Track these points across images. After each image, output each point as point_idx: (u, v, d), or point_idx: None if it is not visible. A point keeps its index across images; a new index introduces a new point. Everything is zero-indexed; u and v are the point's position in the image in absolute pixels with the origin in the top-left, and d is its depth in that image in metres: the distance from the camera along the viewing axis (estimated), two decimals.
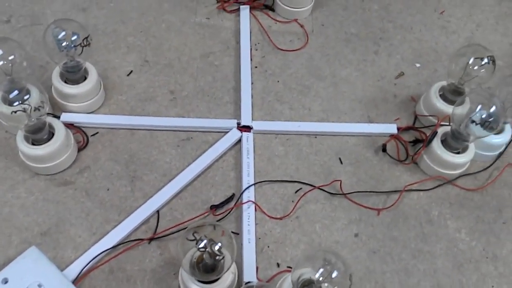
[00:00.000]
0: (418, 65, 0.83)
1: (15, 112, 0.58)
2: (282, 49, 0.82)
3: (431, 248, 0.62)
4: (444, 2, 0.94)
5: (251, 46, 0.82)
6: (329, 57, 0.83)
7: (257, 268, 0.58)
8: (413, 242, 0.62)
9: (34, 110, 0.59)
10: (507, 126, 0.69)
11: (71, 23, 0.65)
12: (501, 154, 0.71)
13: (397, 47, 0.85)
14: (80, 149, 0.67)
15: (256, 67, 0.80)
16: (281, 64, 0.81)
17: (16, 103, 0.58)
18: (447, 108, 0.69)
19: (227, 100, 0.75)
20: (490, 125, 0.60)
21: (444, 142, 0.66)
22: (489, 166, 0.70)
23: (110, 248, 0.59)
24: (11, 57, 0.62)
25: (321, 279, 0.46)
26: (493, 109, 0.60)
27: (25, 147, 0.62)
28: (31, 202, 0.62)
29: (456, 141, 0.65)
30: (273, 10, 0.88)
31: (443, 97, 0.72)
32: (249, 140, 0.69)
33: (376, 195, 0.66)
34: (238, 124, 0.71)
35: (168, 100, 0.74)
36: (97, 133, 0.70)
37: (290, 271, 0.52)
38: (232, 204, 0.64)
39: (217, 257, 0.49)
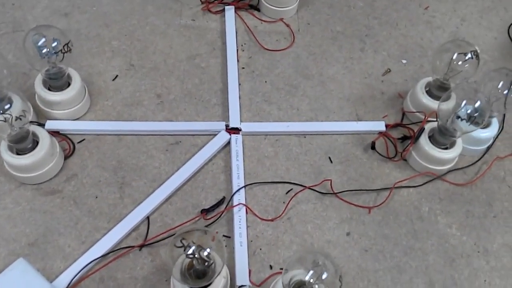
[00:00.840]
0: (404, 61, 0.83)
1: None
2: (268, 49, 0.82)
3: (423, 244, 0.62)
4: None
5: (237, 46, 0.81)
6: (316, 55, 0.82)
7: (249, 271, 0.58)
8: (404, 239, 0.62)
9: (16, 120, 0.57)
10: (494, 120, 0.69)
11: (51, 29, 0.64)
12: (489, 148, 0.71)
13: (383, 43, 0.85)
14: (66, 157, 0.66)
15: (243, 68, 0.79)
16: (268, 64, 0.80)
17: None
18: (434, 104, 0.69)
19: (215, 102, 0.74)
20: (476, 120, 0.60)
21: (431, 138, 0.66)
22: (477, 161, 0.70)
23: (100, 257, 0.58)
24: None
25: (311, 280, 0.45)
26: (478, 104, 0.60)
27: (9, 157, 0.61)
28: (18, 213, 0.61)
29: (443, 137, 0.65)
30: (258, 10, 0.87)
31: (429, 93, 0.72)
32: (238, 142, 0.69)
33: (367, 193, 0.66)
34: (227, 126, 0.70)
35: (155, 104, 0.73)
36: (83, 140, 0.68)
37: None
38: (223, 207, 0.63)
39: (206, 263, 0.49)
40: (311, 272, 0.46)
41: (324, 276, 0.45)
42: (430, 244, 0.62)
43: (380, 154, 0.70)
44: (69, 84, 0.68)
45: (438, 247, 0.62)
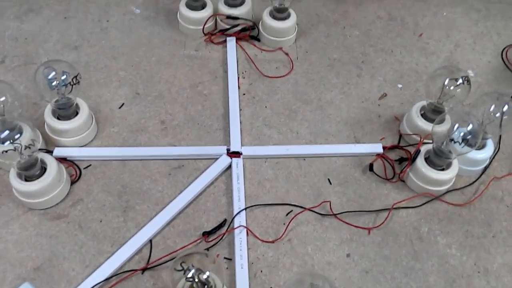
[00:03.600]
0: (400, 85, 0.86)
1: (6, 151, 0.60)
2: (268, 76, 0.85)
3: (423, 265, 0.63)
4: (422, 25, 0.98)
5: (238, 74, 0.85)
6: (314, 82, 0.86)
7: None
8: (404, 260, 0.63)
9: (25, 148, 0.60)
10: (489, 141, 0.71)
11: (61, 63, 0.68)
12: (486, 168, 0.73)
13: (379, 69, 0.89)
14: (73, 182, 0.69)
15: (244, 94, 0.83)
16: (268, 90, 0.83)
17: (7, 142, 0.60)
18: (429, 127, 0.71)
19: (217, 127, 0.77)
20: (470, 142, 0.62)
21: (427, 160, 0.68)
22: (475, 181, 0.71)
23: (103, 281, 0.59)
24: (2, 99, 0.64)
25: None
26: (470, 126, 0.62)
27: (18, 184, 0.63)
28: (25, 238, 0.63)
29: (439, 158, 0.67)
30: (258, 40, 0.92)
31: (424, 116, 0.74)
32: (238, 165, 0.71)
33: (366, 214, 0.67)
34: (228, 150, 0.73)
35: (159, 130, 0.76)
36: (89, 165, 0.71)
37: None
38: (224, 229, 0.64)
39: (206, 286, 0.50)
40: None
41: None
42: (430, 264, 0.63)
43: (378, 176, 0.72)
44: (77, 113, 0.71)
45: (438, 268, 0.62)
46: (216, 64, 0.87)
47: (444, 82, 0.69)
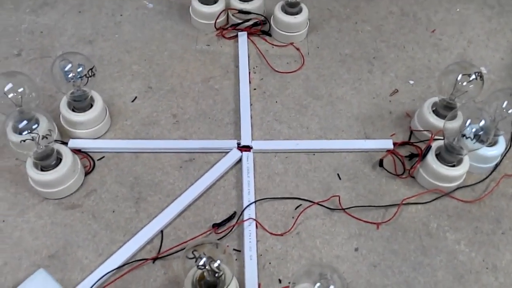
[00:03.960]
0: (411, 82, 0.86)
1: (24, 141, 0.61)
2: (279, 71, 0.86)
3: (431, 260, 0.63)
4: (435, 21, 0.97)
5: (249, 69, 0.85)
6: (325, 77, 0.86)
7: (259, 285, 0.59)
8: (413, 255, 0.63)
9: (42, 138, 0.62)
10: (501, 138, 0.71)
11: (77, 56, 0.69)
12: (497, 165, 0.72)
13: (390, 65, 0.88)
14: (87, 173, 0.70)
15: (255, 89, 0.83)
16: (279, 85, 0.84)
17: (25, 132, 0.61)
18: (440, 123, 0.71)
19: (228, 121, 0.78)
20: (481, 138, 0.61)
21: (438, 156, 0.68)
22: (485, 178, 0.71)
23: (116, 269, 0.60)
24: (20, 90, 0.65)
25: None
26: (482, 123, 0.62)
27: (34, 173, 0.65)
28: (40, 226, 0.64)
29: (450, 155, 0.66)
30: (269, 35, 0.92)
31: (436, 112, 0.74)
32: (249, 159, 0.72)
33: (375, 209, 0.67)
34: (238, 144, 0.74)
35: (171, 124, 0.77)
36: (103, 157, 0.72)
37: None
38: (233, 222, 0.65)
39: (216, 274, 0.51)
40: (317, 284, 0.48)
41: None
42: (439, 260, 0.63)
43: (388, 171, 0.72)
44: (91, 106, 0.73)
45: (447, 263, 0.62)
46: (227, 59, 0.88)
47: (457, 78, 0.69)
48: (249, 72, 0.85)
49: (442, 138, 0.68)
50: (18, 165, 0.70)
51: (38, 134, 0.61)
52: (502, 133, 0.70)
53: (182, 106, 0.80)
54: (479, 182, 0.71)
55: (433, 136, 0.69)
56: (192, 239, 0.63)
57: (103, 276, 0.59)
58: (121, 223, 0.65)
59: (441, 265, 0.62)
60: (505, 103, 0.66)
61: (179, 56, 0.88)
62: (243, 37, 0.90)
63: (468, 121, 0.62)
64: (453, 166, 0.67)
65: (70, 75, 0.68)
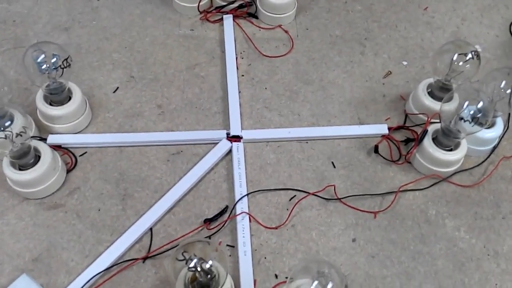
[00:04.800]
0: (405, 63, 0.82)
1: None
2: (268, 56, 0.81)
3: (431, 248, 0.60)
4: None
5: (236, 54, 0.80)
6: (316, 60, 0.81)
7: (254, 281, 0.56)
8: (412, 244, 0.61)
9: (17, 136, 0.57)
10: (498, 120, 0.68)
11: (50, 45, 0.64)
12: (495, 147, 0.69)
13: (383, 46, 0.84)
14: (69, 171, 0.66)
15: (242, 75, 0.78)
16: (268, 71, 0.79)
17: None
18: (436, 105, 0.68)
19: (215, 110, 0.74)
20: (480, 120, 0.58)
21: (435, 140, 0.65)
22: (483, 161, 0.68)
23: (104, 270, 0.57)
24: None
25: None
26: (480, 104, 0.58)
27: (11, 173, 0.60)
28: (21, 228, 0.60)
29: (447, 138, 0.63)
30: (256, 17, 0.87)
31: (431, 94, 0.70)
32: (239, 150, 0.68)
33: (371, 197, 0.65)
34: (228, 134, 0.70)
35: (156, 115, 0.73)
36: (85, 153, 0.68)
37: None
38: (226, 216, 0.62)
39: (209, 275, 0.47)
40: (315, 282, 0.45)
41: (329, 286, 0.44)
42: (439, 248, 0.60)
43: (383, 158, 0.68)
44: (70, 98, 0.68)
45: (446, 251, 0.60)
46: (213, 44, 0.82)
47: (452, 58, 0.65)
48: (236, 58, 0.80)
49: (438, 121, 0.65)
50: None
51: (11, 132, 0.57)
52: (500, 114, 0.67)
53: (167, 95, 0.75)
54: (477, 165, 0.68)
55: (429, 119, 0.66)
56: (183, 236, 0.60)
57: (90, 279, 0.56)
58: (108, 222, 0.61)
59: (441, 253, 0.60)
60: (503, 83, 0.63)
61: (162, 42, 0.82)
62: (228, 20, 0.85)
63: (466, 103, 0.59)
64: (450, 150, 0.64)
65: (44, 66, 0.63)
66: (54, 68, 0.63)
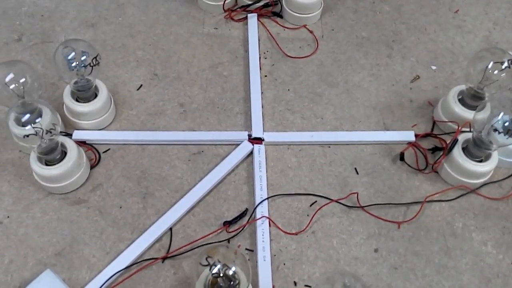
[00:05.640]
0: (434, 67, 0.78)
1: (27, 135, 0.57)
2: (291, 56, 0.78)
3: (456, 263, 0.57)
4: (458, 1, 0.88)
5: (260, 54, 0.78)
6: (341, 62, 0.78)
7: (273, 287, 0.55)
8: (436, 257, 0.58)
9: (46, 133, 0.57)
10: None
11: (80, 43, 0.63)
12: None
13: (411, 49, 0.80)
14: (92, 167, 0.65)
15: (265, 76, 0.76)
16: (291, 72, 0.77)
17: (28, 126, 0.57)
18: (467, 114, 0.64)
19: (237, 111, 0.72)
20: None
21: (465, 150, 0.61)
22: None
23: (124, 269, 0.56)
24: (22, 80, 0.60)
25: None
26: None
27: (38, 168, 0.60)
28: (45, 222, 0.60)
29: (478, 149, 0.60)
30: (281, 16, 0.84)
31: (462, 101, 0.67)
32: (261, 152, 0.66)
33: (396, 207, 0.62)
34: (249, 136, 0.68)
35: (178, 114, 0.71)
36: (108, 149, 0.67)
37: None
38: (245, 219, 0.60)
39: (232, 282, 0.46)
40: None
41: None
42: (464, 262, 0.57)
43: (409, 166, 0.65)
44: (96, 95, 0.67)
45: (472, 266, 0.57)
46: (236, 43, 0.80)
47: (487, 66, 0.61)
48: (259, 58, 0.77)
49: (468, 130, 0.61)
50: (22, 158, 0.66)
51: (41, 128, 0.57)
52: None
53: (189, 94, 0.74)
54: (507, 177, 0.64)
55: (460, 128, 0.63)
56: (202, 237, 0.59)
57: (111, 277, 0.55)
58: (129, 220, 0.61)
59: (466, 268, 0.57)
60: None
61: (185, 40, 0.81)
62: (253, 19, 0.82)
63: (501, 114, 0.55)
64: (481, 161, 0.61)
65: (74, 63, 0.62)
66: (83, 66, 0.63)
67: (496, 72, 0.62)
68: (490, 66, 0.61)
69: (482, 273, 0.57)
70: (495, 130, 0.55)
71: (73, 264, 0.57)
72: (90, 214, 0.61)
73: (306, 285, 0.55)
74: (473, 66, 0.63)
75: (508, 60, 0.61)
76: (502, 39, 0.82)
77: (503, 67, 0.61)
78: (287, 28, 0.82)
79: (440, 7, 0.87)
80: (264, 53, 0.79)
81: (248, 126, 0.69)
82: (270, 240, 0.59)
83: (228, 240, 0.59)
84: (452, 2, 0.88)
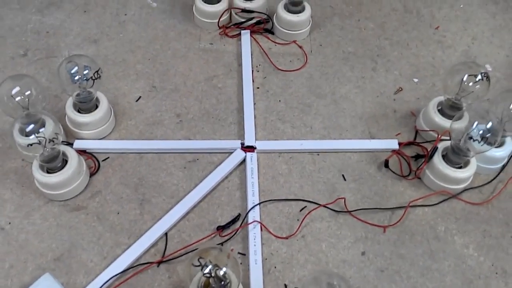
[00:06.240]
0: (416, 80, 0.79)
1: (31, 144, 0.57)
2: (282, 70, 0.79)
3: (439, 265, 0.57)
4: (438, 18, 0.90)
5: (252, 68, 0.79)
6: (328, 75, 0.79)
7: None
8: (421, 260, 0.58)
9: (49, 142, 0.57)
10: (508, 139, 0.64)
11: (83, 58, 0.64)
12: (504, 166, 0.66)
13: (394, 63, 0.81)
14: (92, 174, 0.65)
15: (258, 88, 0.77)
16: (282, 84, 0.77)
17: (32, 136, 0.57)
18: (446, 123, 0.65)
19: (231, 121, 0.72)
20: (489, 140, 0.55)
21: (445, 157, 0.62)
22: (493, 179, 0.65)
23: (120, 273, 0.56)
24: (27, 92, 0.61)
25: None
26: (489, 125, 0.55)
27: (40, 176, 0.60)
28: (45, 228, 0.60)
29: (456, 156, 0.60)
30: (272, 33, 0.85)
31: (442, 112, 0.67)
32: (253, 160, 0.66)
33: (381, 211, 0.62)
34: (242, 144, 0.68)
35: (175, 123, 0.72)
36: (107, 158, 0.67)
37: None
38: (238, 224, 0.60)
39: (222, 282, 0.46)
40: None
41: None
42: (447, 265, 0.57)
43: (393, 172, 0.66)
44: (97, 107, 0.68)
45: (455, 268, 0.57)
46: (230, 57, 0.81)
47: (462, 78, 0.62)
48: (252, 71, 0.78)
49: (448, 138, 0.62)
50: (24, 166, 0.65)
51: (44, 137, 0.57)
52: (509, 134, 0.63)
53: (185, 105, 0.74)
54: (486, 183, 0.64)
55: (439, 137, 0.63)
56: (196, 241, 0.58)
57: (107, 280, 0.55)
58: (126, 225, 0.60)
59: (449, 270, 0.57)
60: None
61: (183, 55, 0.81)
62: (246, 35, 0.84)
63: (475, 123, 0.56)
64: (460, 167, 0.61)
65: (77, 77, 0.63)
66: (85, 79, 0.63)
67: (471, 84, 0.63)
68: (465, 78, 0.62)
69: (464, 274, 0.57)
70: (471, 138, 0.56)
71: (71, 268, 0.56)
72: (88, 220, 0.61)
73: (296, 287, 0.55)
74: (450, 78, 0.64)
75: (482, 73, 0.62)
76: (481, 53, 0.84)
77: (477, 79, 0.62)
78: (278, 43, 0.84)
79: (422, 24, 0.89)
80: (257, 66, 0.80)
81: (241, 135, 0.70)
82: (262, 244, 0.58)
83: (222, 244, 0.58)
84: (433, 19, 0.90)
